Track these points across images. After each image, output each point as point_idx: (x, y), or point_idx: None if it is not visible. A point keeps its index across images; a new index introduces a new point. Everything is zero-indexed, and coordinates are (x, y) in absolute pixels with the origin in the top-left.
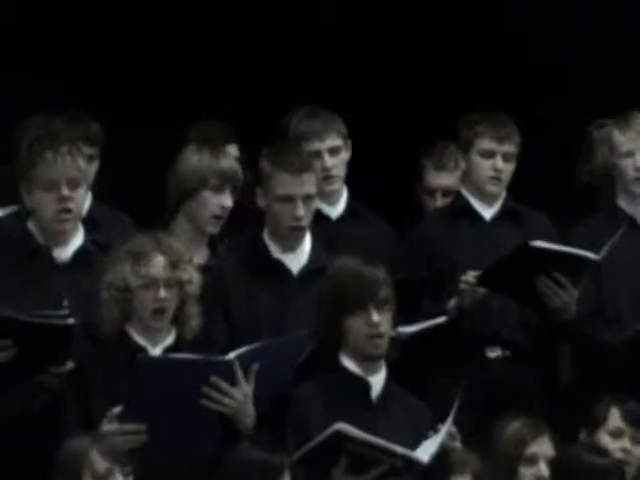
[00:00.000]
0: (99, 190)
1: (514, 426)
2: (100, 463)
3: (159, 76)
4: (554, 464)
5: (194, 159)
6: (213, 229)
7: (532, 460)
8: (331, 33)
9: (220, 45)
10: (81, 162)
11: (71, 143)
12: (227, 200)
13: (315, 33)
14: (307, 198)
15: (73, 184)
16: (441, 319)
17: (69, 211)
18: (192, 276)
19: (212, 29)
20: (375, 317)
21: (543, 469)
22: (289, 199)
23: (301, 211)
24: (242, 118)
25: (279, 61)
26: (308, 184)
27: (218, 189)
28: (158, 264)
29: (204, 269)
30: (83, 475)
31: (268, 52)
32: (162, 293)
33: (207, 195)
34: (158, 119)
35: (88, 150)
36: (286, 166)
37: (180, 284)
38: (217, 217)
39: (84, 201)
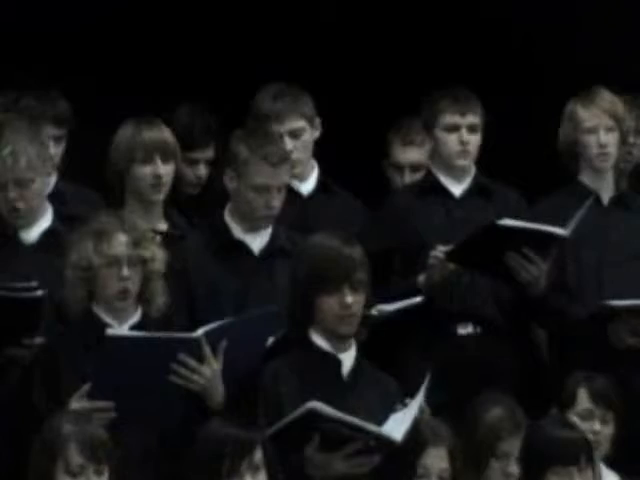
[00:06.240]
0: (68, 168)
1: (492, 415)
2: (75, 459)
3: (137, 54)
4: (523, 439)
5: (119, 137)
6: (156, 197)
7: (504, 456)
8: (299, 10)
9: (198, 27)
10: (26, 160)
11: (15, 142)
12: (159, 169)
13: (283, 10)
14: (282, 187)
15: (21, 183)
16: (418, 298)
17: (17, 210)
18: (155, 253)
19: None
20: (349, 299)
21: (513, 466)
22: (265, 189)
23: (276, 202)
24: (216, 100)
25: (248, 36)
26: (284, 175)
27: (146, 160)
28: (120, 242)
29: (167, 237)
30: (56, 467)
31: (237, 26)
32: (125, 272)
33: (138, 168)
34: (133, 98)
35: (56, 131)
36: (266, 157)
37: (143, 262)
38: (154, 186)
39: (41, 191)
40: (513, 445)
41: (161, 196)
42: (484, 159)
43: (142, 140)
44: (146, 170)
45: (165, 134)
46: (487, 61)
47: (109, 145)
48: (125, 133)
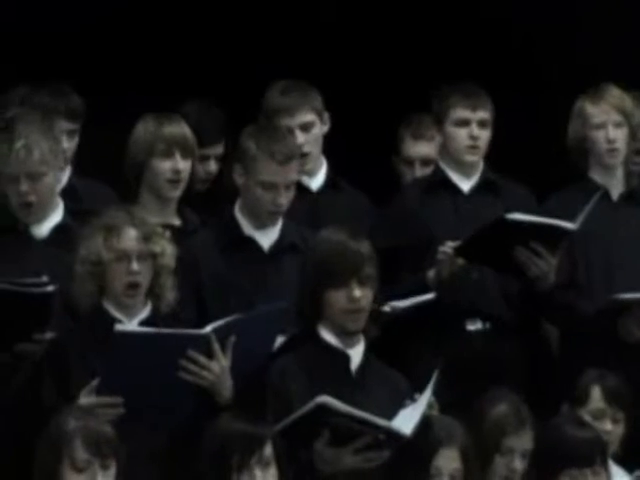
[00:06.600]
0: (81, 163)
1: (498, 411)
2: (81, 454)
3: (146, 49)
4: (536, 437)
5: (139, 130)
6: (172, 193)
7: (508, 452)
8: (307, 5)
9: (204, 25)
10: (39, 154)
11: (27, 136)
12: (178, 164)
13: (290, 4)
14: (290, 185)
15: (33, 177)
16: (431, 294)
17: (29, 204)
18: (165, 248)
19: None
20: (357, 293)
21: (517, 462)
22: (273, 186)
23: (283, 199)
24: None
25: (255, 34)
26: (293, 172)
27: (166, 155)
28: (130, 237)
29: (178, 232)
30: (62, 463)
31: (244, 24)
32: (134, 266)
33: (157, 162)
34: (144, 92)
35: (69, 125)
36: (274, 154)
37: (153, 257)
38: (172, 181)
39: (53, 186)
40: (517, 441)
41: (178, 192)
42: (493, 156)
43: (163, 134)
44: (165, 165)
45: (185, 130)
46: (494, 58)
47: (118, 142)
48: (145, 127)
